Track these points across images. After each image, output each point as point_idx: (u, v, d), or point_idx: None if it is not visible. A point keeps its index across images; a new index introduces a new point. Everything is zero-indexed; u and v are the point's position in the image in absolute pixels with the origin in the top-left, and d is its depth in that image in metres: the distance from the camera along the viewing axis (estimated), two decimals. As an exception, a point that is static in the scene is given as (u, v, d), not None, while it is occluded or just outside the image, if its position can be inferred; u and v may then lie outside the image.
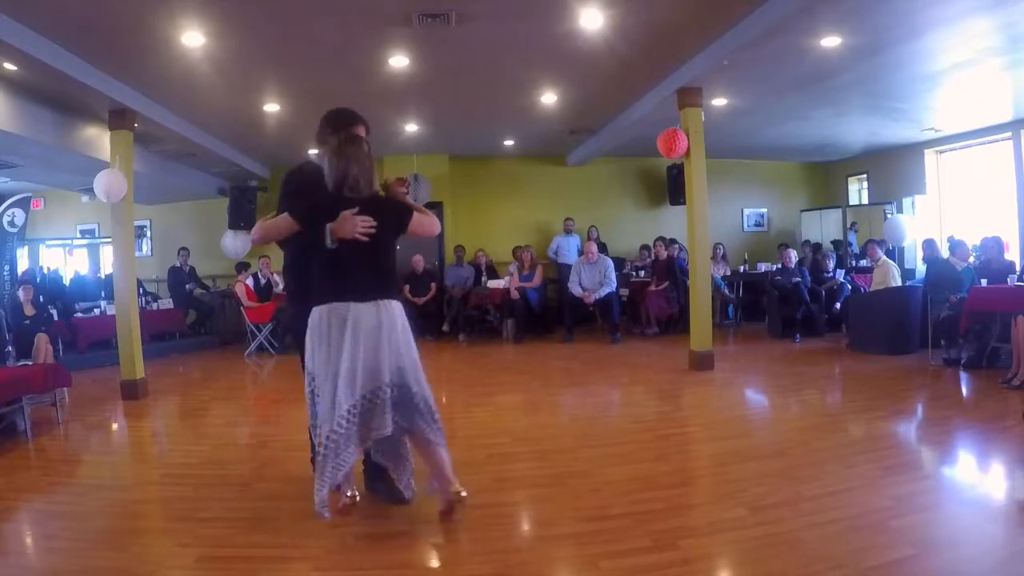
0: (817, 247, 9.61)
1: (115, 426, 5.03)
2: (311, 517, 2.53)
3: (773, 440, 3.89)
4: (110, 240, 7.03)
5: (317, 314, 2.58)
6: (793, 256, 8.19)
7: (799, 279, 7.89)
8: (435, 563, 2.42)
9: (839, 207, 10.69)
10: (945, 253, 6.82)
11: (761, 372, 6.10)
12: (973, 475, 3.32)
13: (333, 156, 2.64)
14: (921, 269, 7.82)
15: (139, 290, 7.46)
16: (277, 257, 9.23)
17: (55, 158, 6.76)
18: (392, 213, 2.70)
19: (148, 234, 10.50)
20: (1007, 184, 8.22)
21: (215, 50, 4.97)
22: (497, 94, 6.69)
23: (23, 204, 9.38)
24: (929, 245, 7.00)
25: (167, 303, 9.07)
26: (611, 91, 6.63)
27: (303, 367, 2.70)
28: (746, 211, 11.22)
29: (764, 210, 11.28)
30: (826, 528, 2.53)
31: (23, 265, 9.70)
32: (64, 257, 10.90)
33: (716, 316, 8.78)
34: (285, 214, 2.67)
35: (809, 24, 4.67)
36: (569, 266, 8.89)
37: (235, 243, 9.76)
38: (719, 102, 6.84)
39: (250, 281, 8.56)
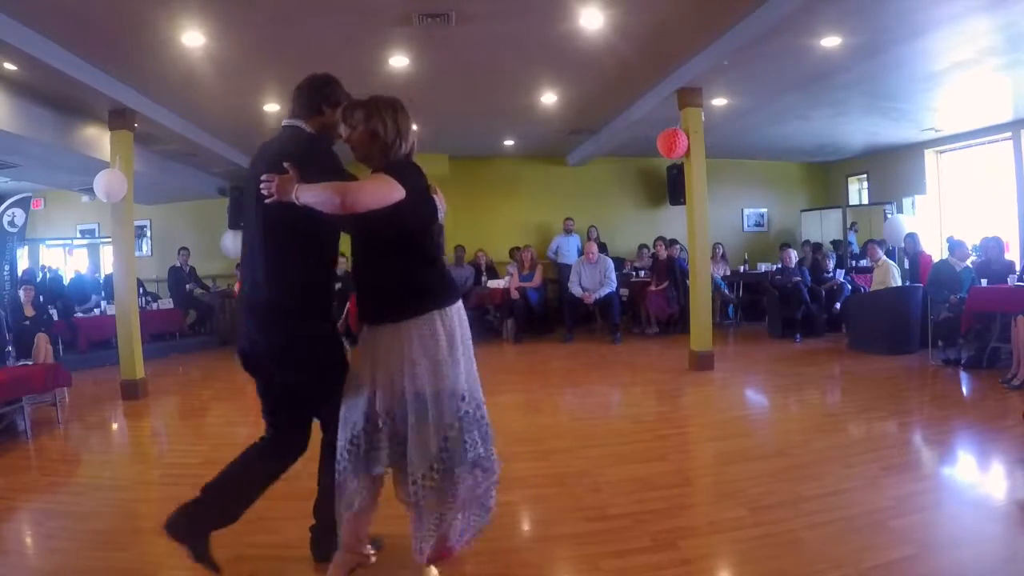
0: (817, 247, 9.61)
1: (115, 426, 5.04)
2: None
3: (773, 440, 3.90)
4: (110, 240, 7.03)
5: (443, 319, 2.09)
6: (793, 256, 8.19)
7: (799, 279, 7.89)
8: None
9: (839, 207, 10.71)
10: (942, 252, 6.83)
11: (761, 372, 6.09)
12: (973, 475, 3.32)
13: (401, 120, 2.12)
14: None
15: (139, 290, 7.46)
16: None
17: (55, 158, 6.76)
18: None
19: (148, 234, 10.51)
20: (1007, 184, 8.23)
21: (215, 50, 4.97)
22: (497, 94, 6.69)
23: (23, 204, 9.40)
24: (912, 239, 6.97)
25: (167, 303, 9.08)
26: (611, 91, 6.63)
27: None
28: (746, 211, 11.23)
29: (764, 210, 11.29)
30: (826, 528, 2.53)
31: (23, 265, 9.70)
32: (64, 257, 10.91)
33: (716, 316, 8.78)
34: (387, 178, 1.97)
35: (809, 24, 4.67)
36: (569, 266, 8.89)
37: (235, 243, 9.78)
38: (719, 102, 6.85)
39: (250, 281, 8.55)
